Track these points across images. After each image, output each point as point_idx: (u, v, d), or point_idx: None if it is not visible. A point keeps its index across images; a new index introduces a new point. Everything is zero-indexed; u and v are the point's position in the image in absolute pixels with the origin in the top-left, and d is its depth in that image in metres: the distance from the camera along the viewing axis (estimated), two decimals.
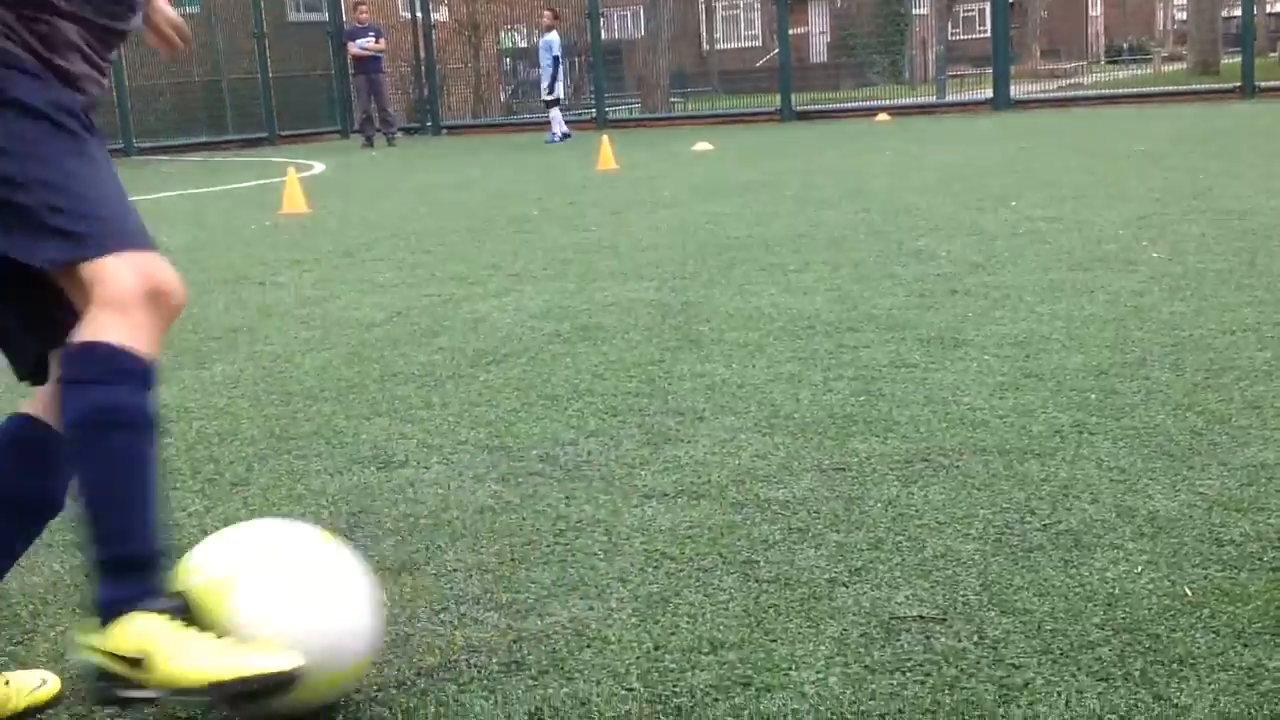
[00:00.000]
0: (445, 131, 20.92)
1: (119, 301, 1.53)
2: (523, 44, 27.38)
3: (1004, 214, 6.12)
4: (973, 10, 43.44)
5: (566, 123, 17.20)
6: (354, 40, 17.94)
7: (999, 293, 4.15)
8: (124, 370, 1.53)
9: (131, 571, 1.54)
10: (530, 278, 5.15)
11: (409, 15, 22.75)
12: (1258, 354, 3.09)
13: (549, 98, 16.88)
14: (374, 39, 17.84)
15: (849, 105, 20.16)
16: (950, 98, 21.30)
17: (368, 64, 17.84)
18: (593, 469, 2.57)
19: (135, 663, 1.50)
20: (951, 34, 47.04)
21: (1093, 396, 2.85)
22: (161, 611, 1.53)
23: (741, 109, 20.87)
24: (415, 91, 22.99)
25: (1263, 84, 16.08)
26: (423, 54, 21.44)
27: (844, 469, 2.48)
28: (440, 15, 25.15)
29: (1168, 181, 6.98)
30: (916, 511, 2.22)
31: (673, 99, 25.06)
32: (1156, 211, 5.77)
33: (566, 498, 2.40)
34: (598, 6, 19.37)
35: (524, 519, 2.30)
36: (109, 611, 1.52)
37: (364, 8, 18.73)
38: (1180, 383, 2.89)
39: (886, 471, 2.44)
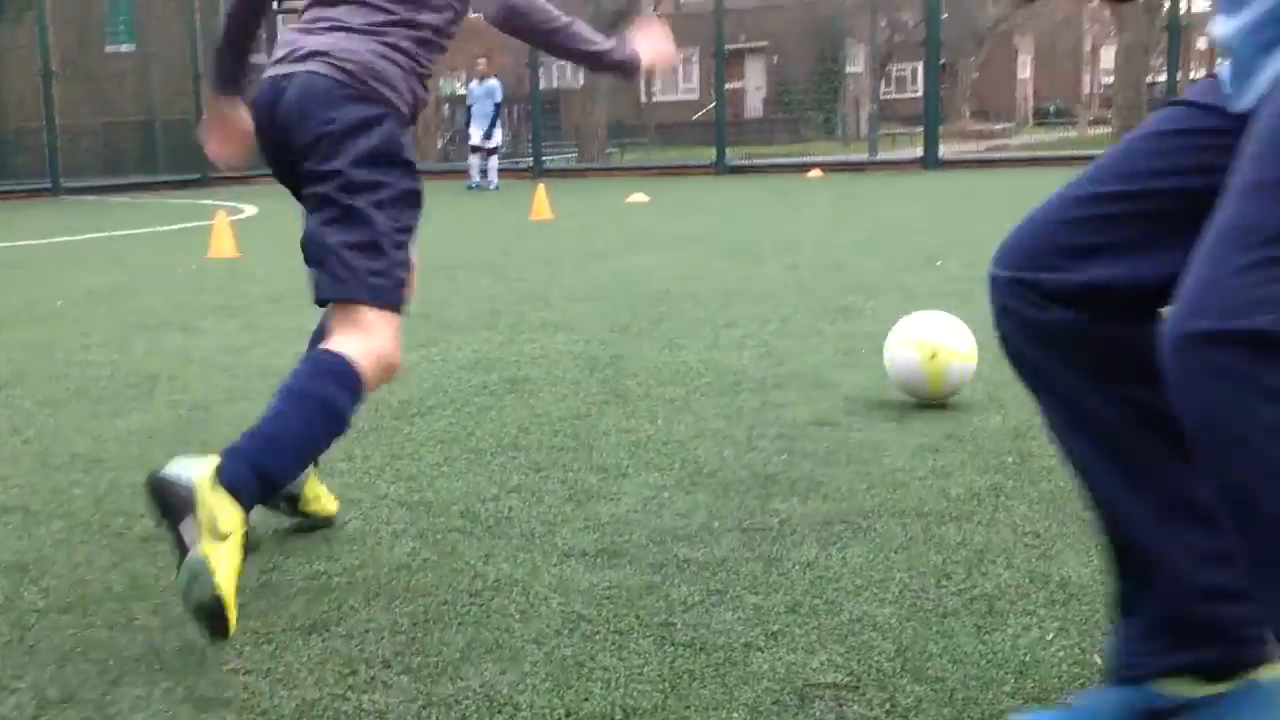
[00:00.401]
0: None
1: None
2: (462, 90, 27.45)
3: (930, 274, 6.20)
4: (905, 70, 44.23)
5: (501, 171, 17.25)
6: None
7: None
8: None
9: (265, 486, 1.97)
10: (459, 328, 5.14)
11: None
12: None
13: (490, 145, 16.88)
14: None
15: (783, 160, 20.43)
16: (882, 156, 21.64)
17: None
18: (513, 526, 2.55)
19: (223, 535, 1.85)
20: (884, 93, 47.82)
21: (1010, 459, 2.89)
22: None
23: (678, 161, 21.07)
24: None
25: None
26: None
27: (765, 529, 2.48)
28: None
29: None
30: (834, 574, 2.22)
31: (610, 150, 25.24)
32: None
33: (485, 556, 2.38)
34: (537, 55, 19.48)
35: (441, 578, 2.27)
36: (233, 486, 1.89)
37: None
38: None
39: (807, 532, 2.45)
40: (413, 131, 2.32)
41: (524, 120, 24.85)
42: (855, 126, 34.35)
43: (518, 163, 21.76)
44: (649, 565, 2.30)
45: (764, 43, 38.27)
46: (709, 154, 19.36)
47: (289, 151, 2.22)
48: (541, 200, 11.20)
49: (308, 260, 2.23)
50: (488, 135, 16.68)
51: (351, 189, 2.16)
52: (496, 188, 16.65)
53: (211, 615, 1.81)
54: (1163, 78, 18.20)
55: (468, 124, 17.04)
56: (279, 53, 2.28)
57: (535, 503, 2.70)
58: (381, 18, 2.24)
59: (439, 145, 27.45)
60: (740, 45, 36.86)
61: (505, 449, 3.17)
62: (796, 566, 2.27)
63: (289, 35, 2.31)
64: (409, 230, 2.25)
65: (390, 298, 2.18)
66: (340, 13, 2.26)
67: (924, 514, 2.53)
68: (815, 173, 17.68)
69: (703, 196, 13.87)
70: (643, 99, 38.40)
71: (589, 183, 18.19)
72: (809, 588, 2.16)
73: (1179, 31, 16.86)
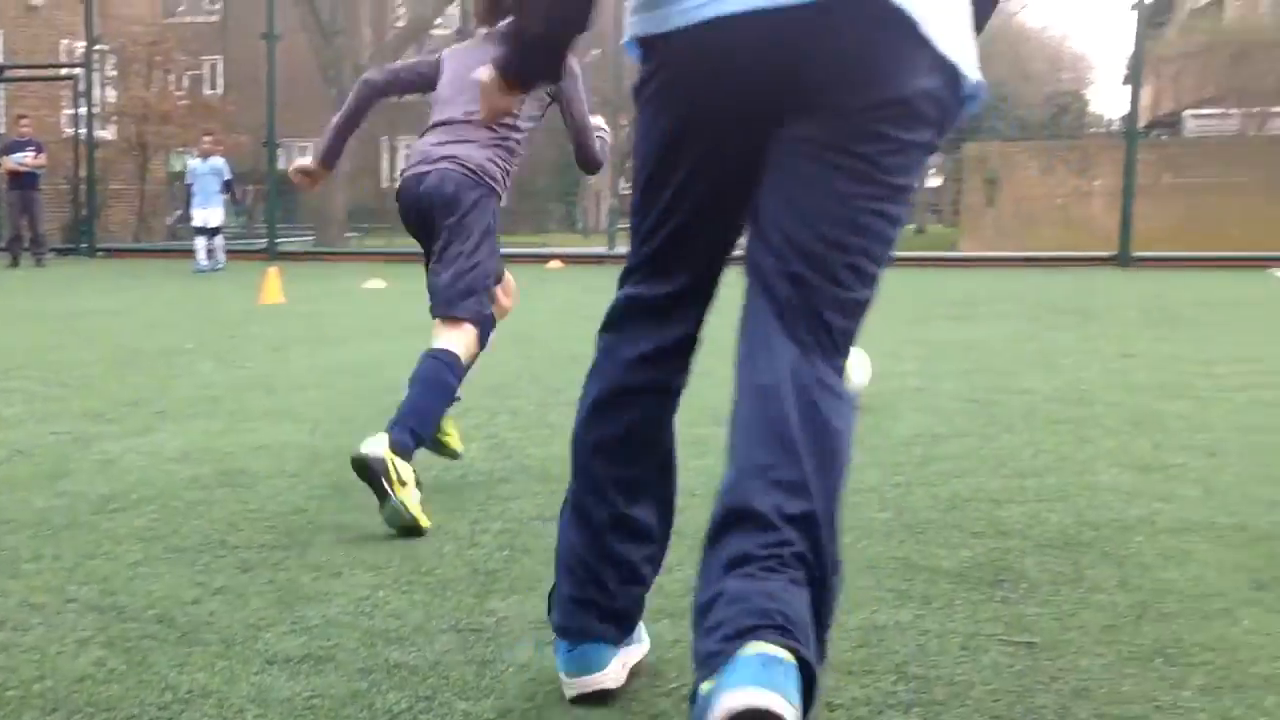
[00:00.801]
0: (101, 254, 19.95)
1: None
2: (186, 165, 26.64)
3: None
4: None
5: (231, 252, 16.73)
6: (10, 154, 16.95)
7: None
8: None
9: (418, 442, 3.25)
10: (174, 416, 4.90)
11: (72, 131, 21.70)
12: (877, 515, 3.27)
13: (213, 225, 16.32)
14: (33, 154, 16.93)
15: (525, 251, 20.56)
16: (620, 249, 22.04)
17: (24, 180, 16.89)
18: (213, 632, 2.41)
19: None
20: (623, 188, 48.97)
21: None
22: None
23: (418, 248, 20.89)
24: (72, 211, 21.88)
25: (901, 254, 17.45)
26: (84, 172, 20.48)
27: (481, 630, 2.43)
28: (107, 133, 24.14)
29: None
30: (549, 677, 2.18)
31: (350, 234, 24.87)
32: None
33: (180, 664, 2.24)
34: (274, 135, 19.07)
35: (128, 690, 2.12)
36: (403, 448, 3.17)
37: (26, 120, 17.79)
38: None
39: (522, 633, 2.41)
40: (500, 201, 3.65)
41: (260, 201, 24.28)
42: (596, 219, 35.00)
43: (251, 244, 21.18)
44: (357, 671, 2.21)
45: None
46: None
47: (430, 215, 3.54)
48: (273, 283, 10.90)
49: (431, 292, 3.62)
50: (213, 215, 16.12)
51: (465, 233, 3.53)
52: (222, 267, 16.12)
53: (411, 531, 3.10)
54: None
55: (188, 204, 16.43)
56: (415, 159, 3.58)
57: (240, 605, 2.57)
58: (486, 135, 3.54)
59: (167, 222, 26.44)
60: None
61: (212, 547, 3.01)
62: (511, 669, 2.22)
63: (421, 147, 3.61)
64: (492, 260, 3.66)
65: (475, 311, 3.60)
66: (458, 133, 3.56)
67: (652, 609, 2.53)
68: (555, 264, 17.87)
69: None
70: (384, 183, 38.08)
71: (326, 266, 17.83)
72: (520, 691, 2.12)
73: None
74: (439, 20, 25.83)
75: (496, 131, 3.53)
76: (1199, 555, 2.85)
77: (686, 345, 2.02)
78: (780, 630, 1.49)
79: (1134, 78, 16.53)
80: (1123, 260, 16.10)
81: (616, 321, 2.07)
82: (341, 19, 23.75)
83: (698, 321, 2.01)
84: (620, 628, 2.06)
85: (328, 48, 23.11)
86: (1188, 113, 26.88)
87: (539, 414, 4.94)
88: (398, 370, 6.18)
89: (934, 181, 55.34)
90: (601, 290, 8.69)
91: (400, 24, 28.29)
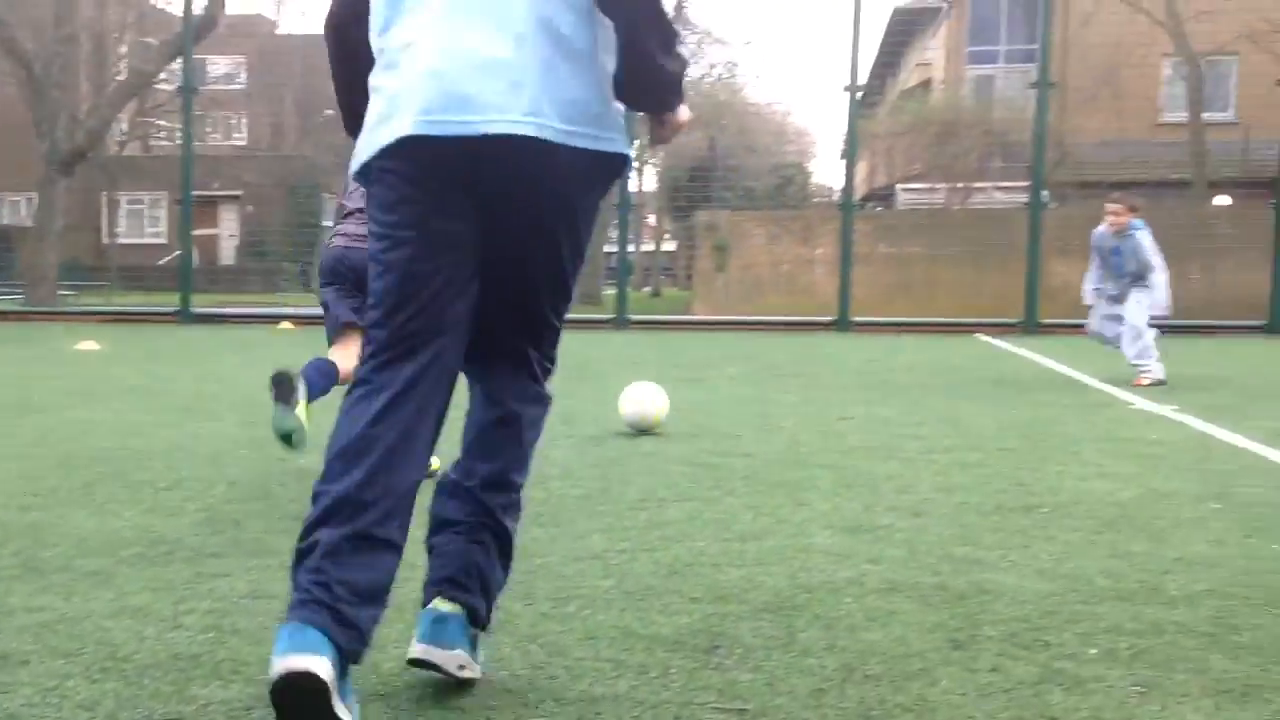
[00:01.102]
0: None
1: None
2: None
3: None
4: None
5: None
6: None
7: None
8: None
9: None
10: None
11: None
12: (600, 583, 3.27)
13: None
14: None
15: (254, 311, 19.94)
16: None
17: None
18: None
19: None
20: None
21: None
22: None
23: (138, 307, 20.01)
24: None
25: (634, 316, 17.82)
26: None
27: (178, 719, 2.29)
28: None
29: None
30: None
31: (64, 292, 23.58)
32: None
33: None
34: None
35: None
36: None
37: None
38: (529, 613, 2.98)
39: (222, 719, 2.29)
40: None
41: None
42: None
43: None
44: None
45: (238, 191, 37.52)
46: (174, 300, 18.54)
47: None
48: None
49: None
50: None
51: None
52: None
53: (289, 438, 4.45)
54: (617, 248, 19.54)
55: None
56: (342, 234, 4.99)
57: None
58: None
59: None
60: (214, 192, 35.95)
61: None
62: None
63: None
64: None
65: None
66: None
67: (357, 687, 2.44)
68: (285, 325, 17.38)
69: (163, 346, 13.21)
70: (105, 240, 36.34)
71: (36, 327, 16.83)
72: None
73: (628, 208, 18.30)
74: (162, 75, 24.90)
75: None
76: (902, 616, 2.97)
77: None
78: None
79: (849, 154, 17.46)
80: (842, 325, 16.85)
81: None
82: (57, 72, 22.59)
83: None
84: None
85: (40, 102, 21.92)
86: (899, 186, 28.52)
87: (259, 484, 4.75)
88: (106, 439, 5.88)
89: (669, 246, 56.87)
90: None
91: (121, 77, 27.14)
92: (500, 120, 2.16)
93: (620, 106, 2.33)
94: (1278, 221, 16.82)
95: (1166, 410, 7.30)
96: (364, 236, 4.63)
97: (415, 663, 2.41)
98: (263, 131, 41.03)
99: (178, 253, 20.70)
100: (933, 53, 35.64)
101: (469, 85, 2.16)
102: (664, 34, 2.29)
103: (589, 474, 5.00)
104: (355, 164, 2.32)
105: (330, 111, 39.88)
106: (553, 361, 2.66)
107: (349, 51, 2.48)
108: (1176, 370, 10.48)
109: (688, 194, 25.96)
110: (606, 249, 27.39)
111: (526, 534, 3.84)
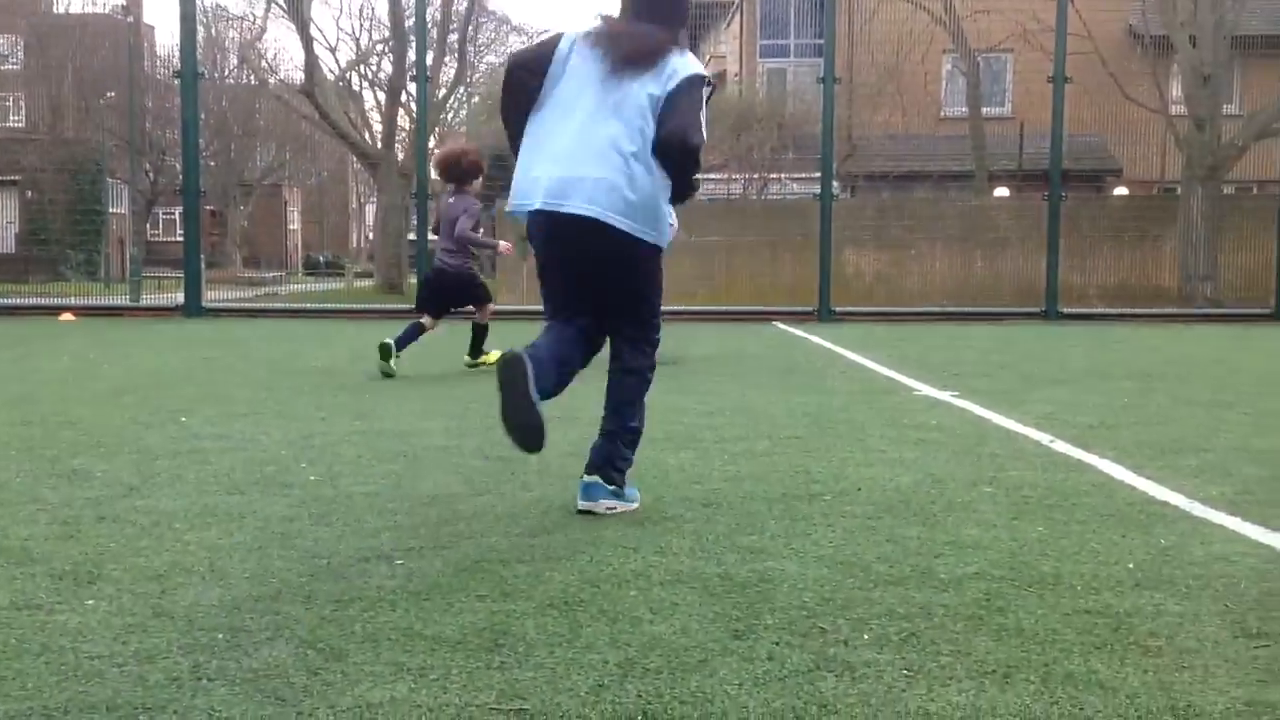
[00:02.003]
0: None
1: None
2: None
3: (173, 430, 5.98)
4: (173, 214, 43.35)
5: None
6: None
7: (149, 519, 3.98)
8: None
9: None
10: None
11: None
12: (386, 582, 3.22)
13: None
14: None
15: (34, 302, 19.00)
16: (148, 300, 20.84)
17: None
18: None
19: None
20: (152, 235, 46.44)
21: (220, 636, 2.77)
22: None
23: None
24: None
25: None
26: None
27: None
28: None
29: (337, 400, 7.27)
30: None
31: None
32: (321, 431, 5.95)
33: None
34: None
35: None
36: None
37: None
38: (309, 616, 2.92)
39: None
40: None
41: None
42: (121, 268, 32.95)
43: None
44: None
45: (16, 176, 35.61)
46: None
47: None
48: None
49: None
50: None
51: None
52: None
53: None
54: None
55: None
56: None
57: None
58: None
59: None
60: None
61: None
62: None
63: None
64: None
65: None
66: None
67: (117, 706, 2.34)
68: (67, 316, 16.61)
69: None
70: None
71: None
72: None
73: (426, 196, 18.05)
74: None
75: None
76: (685, 607, 3.01)
77: None
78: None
79: (439, 149, 17.62)
80: None
81: None
82: None
83: None
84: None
85: None
86: (699, 177, 28.90)
87: (28, 488, 4.52)
88: None
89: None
90: (118, 345, 8.18)
91: None
92: (573, 209, 3.98)
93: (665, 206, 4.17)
94: (1051, 213, 17.68)
95: (947, 396, 7.60)
96: (449, 253, 9.04)
97: (581, 511, 4.14)
98: (40, 114, 39.02)
99: None
100: (726, 46, 36.22)
101: (568, 188, 3.98)
102: (690, 178, 4.20)
103: (381, 470, 4.92)
104: (510, 206, 4.21)
105: (112, 94, 38.24)
106: (653, 344, 4.45)
107: (520, 90, 4.14)
108: (959, 356, 10.93)
109: (489, 182, 25.77)
110: (411, 237, 27.00)
111: (310, 534, 3.77)
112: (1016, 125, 27.14)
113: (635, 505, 4.20)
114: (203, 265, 18.29)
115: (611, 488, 4.16)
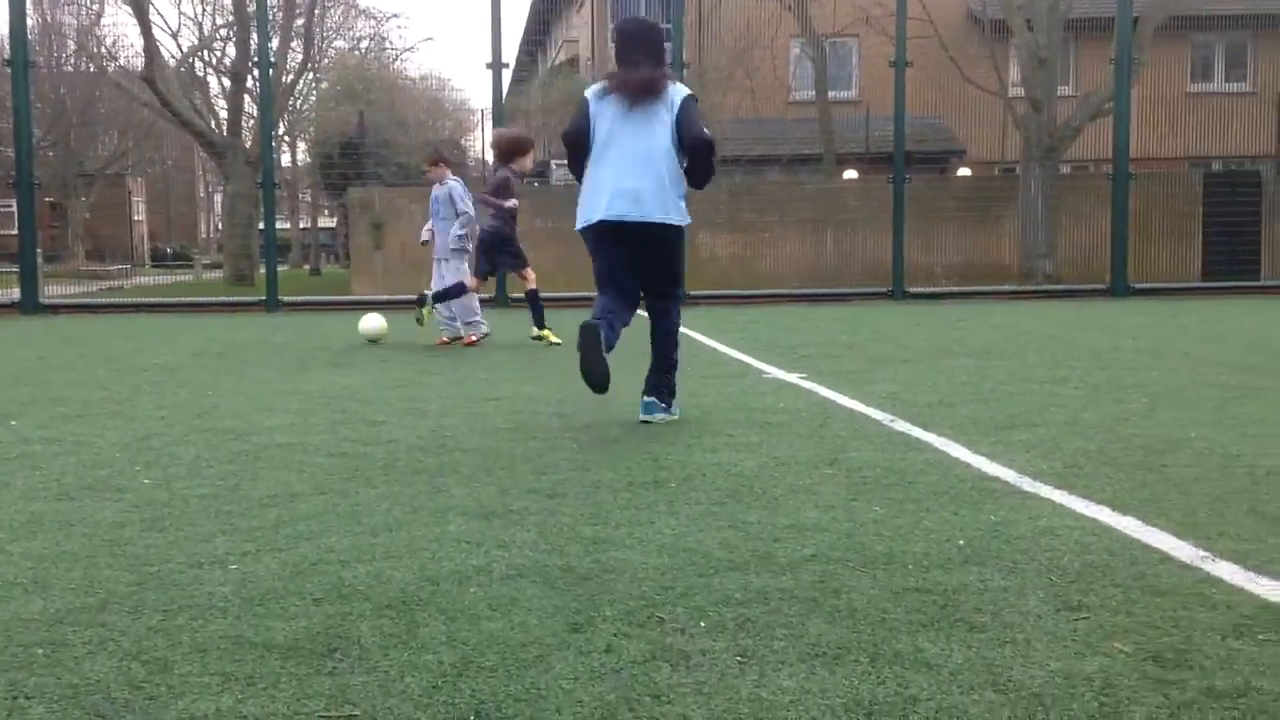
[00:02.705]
0: None
1: None
2: None
3: (1, 434, 5.75)
4: (9, 206, 41.65)
5: None
6: None
7: None
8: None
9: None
10: None
11: None
12: (218, 589, 3.14)
13: None
14: None
15: None
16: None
17: None
18: None
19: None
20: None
21: (40, 651, 2.68)
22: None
23: None
24: None
25: (286, 298, 17.29)
26: None
27: None
28: None
29: (178, 399, 7.08)
30: None
31: None
32: (159, 432, 5.79)
33: None
34: None
35: None
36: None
37: None
38: (135, 627, 2.83)
39: None
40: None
41: None
42: None
43: None
44: None
45: None
46: None
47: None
48: None
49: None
50: None
51: None
52: None
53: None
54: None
55: None
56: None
57: None
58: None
59: None
60: None
61: None
62: None
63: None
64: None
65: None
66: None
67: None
68: None
69: None
70: None
71: None
72: None
73: (273, 184, 17.67)
74: None
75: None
76: (525, 602, 3.00)
77: None
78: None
79: (495, 129, 17.49)
80: (500, 301, 16.93)
81: None
82: None
83: None
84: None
85: None
86: (554, 162, 28.83)
87: None
88: None
89: (327, 223, 55.35)
90: None
91: None
92: (630, 216, 5.70)
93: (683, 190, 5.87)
94: (895, 194, 18.08)
95: (794, 378, 7.73)
96: (491, 217, 10.74)
97: (643, 422, 5.84)
98: None
99: None
100: (578, 30, 36.17)
101: (626, 201, 5.71)
102: (710, 165, 5.87)
103: (219, 471, 4.81)
104: (580, 223, 5.89)
105: None
106: (680, 300, 6.20)
107: (580, 153, 5.88)
108: (808, 338, 11.11)
109: (340, 170, 25.33)
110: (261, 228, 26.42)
111: (142, 540, 3.66)
112: (863, 108, 27.67)
113: (678, 416, 6.03)
114: (40, 259, 17.63)
115: (664, 405, 5.98)
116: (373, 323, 11.17)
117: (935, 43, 23.08)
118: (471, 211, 10.96)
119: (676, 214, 5.80)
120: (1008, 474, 4.58)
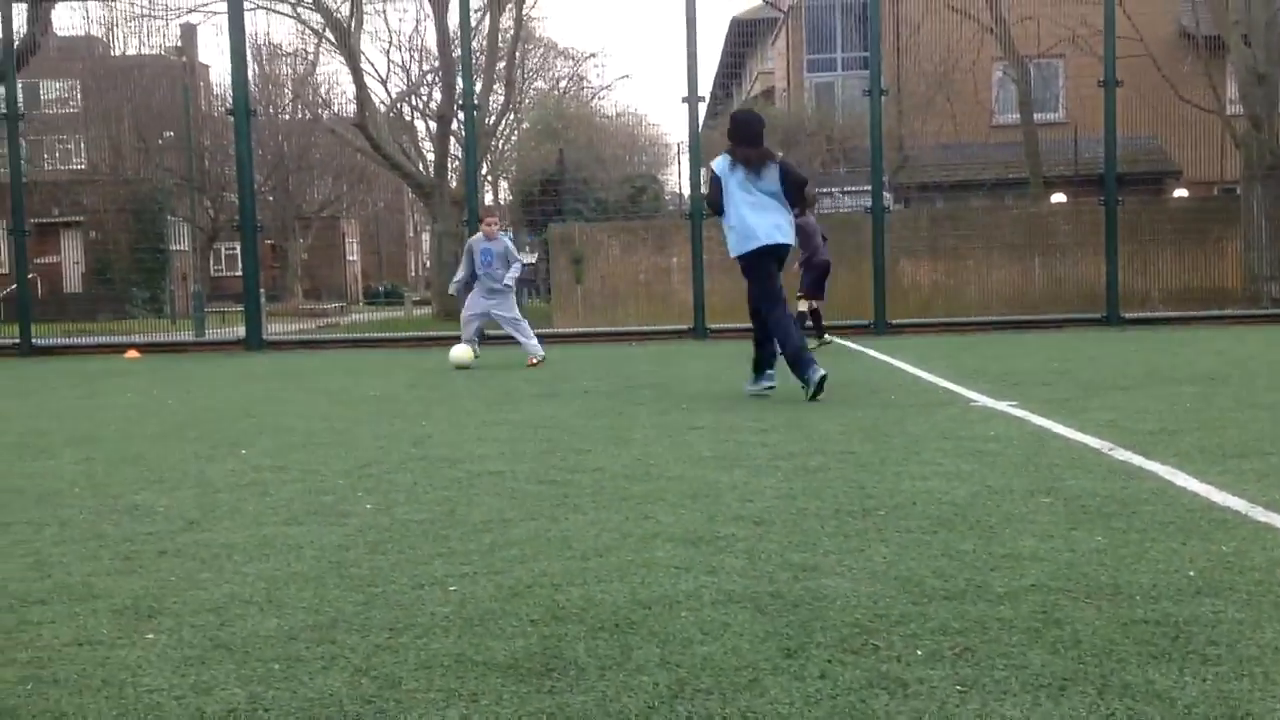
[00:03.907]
0: None
1: None
2: None
3: (233, 463, 6.06)
4: (235, 249, 43.97)
5: None
6: None
7: (209, 552, 4.04)
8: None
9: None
10: None
11: None
12: (439, 609, 3.24)
13: None
14: None
15: (100, 340, 19.32)
16: (211, 335, 21.16)
17: None
18: None
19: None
20: (215, 270, 47.17)
21: (276, 666, 2.81)
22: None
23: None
24: None
25: (490, 332, 17.70)
26: None
27: None
28: None
29: (394, 428, 7.34)
30: None
31: None
32: (378, 460, 6.01)
33: None
34: None
35: None
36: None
37: None
38: (364, 645, 2.94)
39: None
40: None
41: None
42: (186, 304, 33.47)
43: None
44: None
45: (80, 217, 36.34)
46: (14, 332, 17.88)
47: None
48: None
49: None
50: None
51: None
52: None
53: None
54: None
55: None
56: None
57: None
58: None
59: None
60: (55, 219, 34.88)
61: None
62: None
63: None
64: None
65: None
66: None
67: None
68: (132, 353, 16.89)
69: (1, 381, 12.71)
70: None
71: None
72: None
73: (478, 224, 18.15)
74: None
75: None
76: (736, 627, 3.00)
77: None
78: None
79: (693, 162, 17.63)
80: (699, 333, 17.01)
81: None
82: None
83: None
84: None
85: None
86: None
87: (91, 524, 4.60)
88: None
89: (529, 259, 56.75)
90: (182, 381, 8.27)
91: None
92: (781, 240, 8.46)
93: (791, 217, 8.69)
94: (1107, 216, 17.48)
95: (1005, 406, 7.53)
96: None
97: (756, 396, 8.63)
98: (101, 155, 39.80)
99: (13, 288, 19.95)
100: (773, 61, 36.21)
101: (772, 230, 8.47)
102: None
103: (435, 496, 4.96)
104: (736, 252, 8.59)
105: (170, 133, 38.92)
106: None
107: (717, 207, 8.60)
108: (1018, 366, 10.80)
109: (541, 207, 25.93)
110: None
111: (366, 563, 3.80)
112: (1070, 130, 26.89)
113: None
114: (263, 299, 18.53)
115: (766, 372, 8.74)
116: (461, 352, 12.48)
117: (1146, 61, 22.28)
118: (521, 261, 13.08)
119: (793, 236, 8.70)
120: (1238, 503, 4.36)
